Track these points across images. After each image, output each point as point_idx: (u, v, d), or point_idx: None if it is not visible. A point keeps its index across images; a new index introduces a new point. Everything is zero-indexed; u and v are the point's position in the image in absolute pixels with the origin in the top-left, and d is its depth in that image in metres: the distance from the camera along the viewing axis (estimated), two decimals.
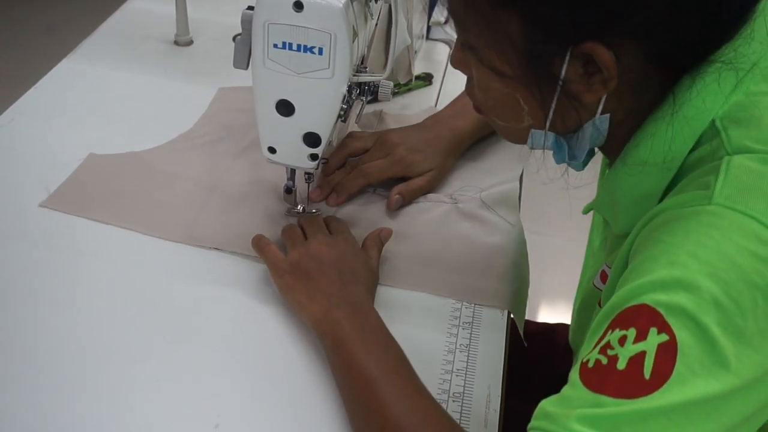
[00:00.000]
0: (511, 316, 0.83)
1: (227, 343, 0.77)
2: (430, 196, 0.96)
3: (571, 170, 0.70)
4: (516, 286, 0.85)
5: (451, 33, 1.31)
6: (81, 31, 1.28)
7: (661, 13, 0.54)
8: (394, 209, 0.93)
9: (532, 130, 0.65)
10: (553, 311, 2.01)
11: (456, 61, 0.68)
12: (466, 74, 0.68)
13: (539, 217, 2.20)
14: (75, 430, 0.68)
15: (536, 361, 1.04)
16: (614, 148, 0.66)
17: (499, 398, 0.74)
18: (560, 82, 0.59)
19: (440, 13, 1.21)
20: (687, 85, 0.58)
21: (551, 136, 0.65)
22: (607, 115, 0.62)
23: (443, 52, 1.27)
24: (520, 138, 0.68)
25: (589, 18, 0.55)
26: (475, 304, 0.83)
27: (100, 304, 0.79)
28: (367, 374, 0.68)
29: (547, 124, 0.63)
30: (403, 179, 0.95)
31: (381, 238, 0.85)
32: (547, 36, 0.57)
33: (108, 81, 1.13)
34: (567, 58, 0.57)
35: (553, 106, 0.61)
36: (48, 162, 0.96)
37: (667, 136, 0.59)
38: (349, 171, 0.94)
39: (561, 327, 1.11)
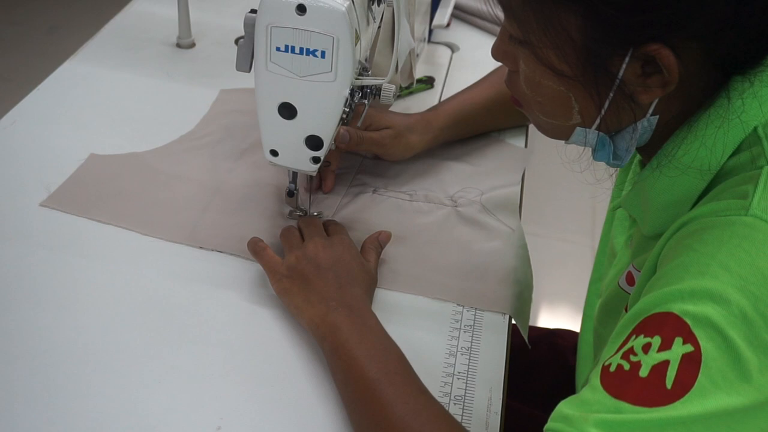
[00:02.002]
0: (513, 321, 0.83)
1: (229, 345, 0.77)
2: (431, 196, 0.96)
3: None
4: (516, 291, 0.85)
5: (451, 36, 1.31)
6: (83, 34, 1.28)
7: (728, 15, 0.54)
8: (339, 143, 0.91)
9: (579, 128, 0.64)
10: (554, 314, 2.01)
11: (499, 53, 0.67)
12: (509, 67, 0.67)
13: (540, 219, 2.20)
14: (75, 431, 0.68)
15: (537, 366, 1.04)
16: (651, 146, 0.65)
17: (501, 401, 0.74)
18: (617, 82, 0.58)
19: (441, 16, 1.21)
20: (743, 87, 0.58)
21: (598, 133, 0.64)
22: (657, 116, 0.61)
23: (445, 55, 1.27)
24: (561, 134, 0.66)
25: (656, 20, 0.54)
26: (476, 308, 0.83)
27: (101, 306, 0.79)
28: (368, 376, 0.68)
29: (597, 122, 0.62)
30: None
31: (379, 241, 0.85)
32: (610, 36, 0.56)
33: (110, 83, 1.13)
34: (627, 58, 0.56)
35: (606, 105, 0.60)
36: (50, 163, 0.96)
37: (716, 141, 0.58)
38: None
39: (562, 332, 1.11)
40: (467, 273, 0.86)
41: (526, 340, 0.83)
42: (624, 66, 0.57)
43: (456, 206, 0.95)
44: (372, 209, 0.94)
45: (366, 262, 0.82)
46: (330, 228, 0.86)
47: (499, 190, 0.97)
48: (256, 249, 0.82)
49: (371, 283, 0.81)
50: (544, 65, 0.60)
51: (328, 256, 0.79)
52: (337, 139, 0.91)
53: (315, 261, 0.78)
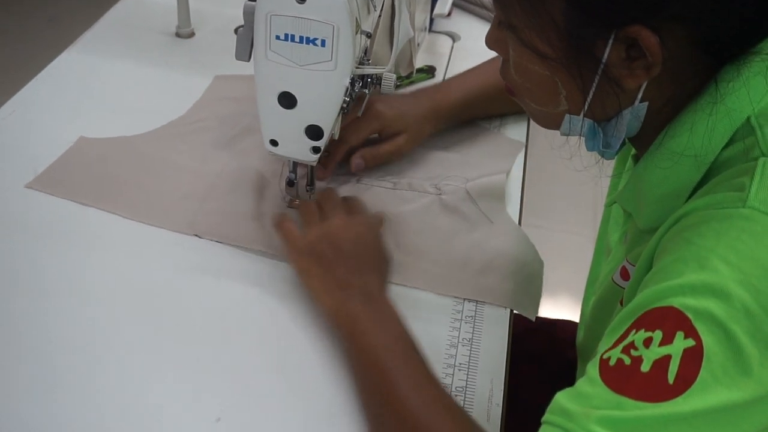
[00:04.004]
0: (514, 311, 0.83)
1: (229, 336, 0.76)
2: (414, 184, 0.95)
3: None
4: (507, 275, 0.84)
5: (453, 26, 1.30)
6: (82, 23, 1.27)
7: None
8: (355, 171, 0.93)
9: (568, 116, 0.64)
10: (556, 306, 2.01)
11: (491, 41, 0.67)
12: (501, 55, 0.67)
13: (542, 211, 2.19)
14: (75, 422, 0.68)
15: (537, 357, 1.03)
16: (645, 138, 0.64)
17: (502, 392, 0.73)
18: (602, 66, 0.57)
19: (443, 6, 1.20)
20: (731, 75, 0.57)
21: (587, 122, 0.64)
22: (646, 103, 0.61)
23: (446, 44, 1.26)
24: (553, 123, 0.66)
25: (634, 1, 0.54)
26: (477, 301, 0.82)
27: (98, 295, 0.79)
28: (384, 366, 0.68)
29: (584, 108, 0.62)
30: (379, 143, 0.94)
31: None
32: (591, 18, 0.56)
33: (109, 72, 1.13)
34: (610, 41, 0.56)
35: (593, 90, 0.60)
36: (48, 153, 0.95)
37: (706, 129, 0.58)
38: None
39: (561, 323, 1.10)
40: (451, 262, 0.85)
41: (533, 318, 0.82)
42: (608, 49, 0.56)
43: (440, 194, 0.94)
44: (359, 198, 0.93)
45: (385, 245, 0.81)
46: (348, 203, 0.85)
47: (485, 178, 0.96)
48: (277, 220, 0.82)
49: (388, 268, 0.81)
50: (528, 49, 0.60)
51: (349, 238, 0.78)
52: (352, 167, 0.92)
53: (336, 243, 0.77)
